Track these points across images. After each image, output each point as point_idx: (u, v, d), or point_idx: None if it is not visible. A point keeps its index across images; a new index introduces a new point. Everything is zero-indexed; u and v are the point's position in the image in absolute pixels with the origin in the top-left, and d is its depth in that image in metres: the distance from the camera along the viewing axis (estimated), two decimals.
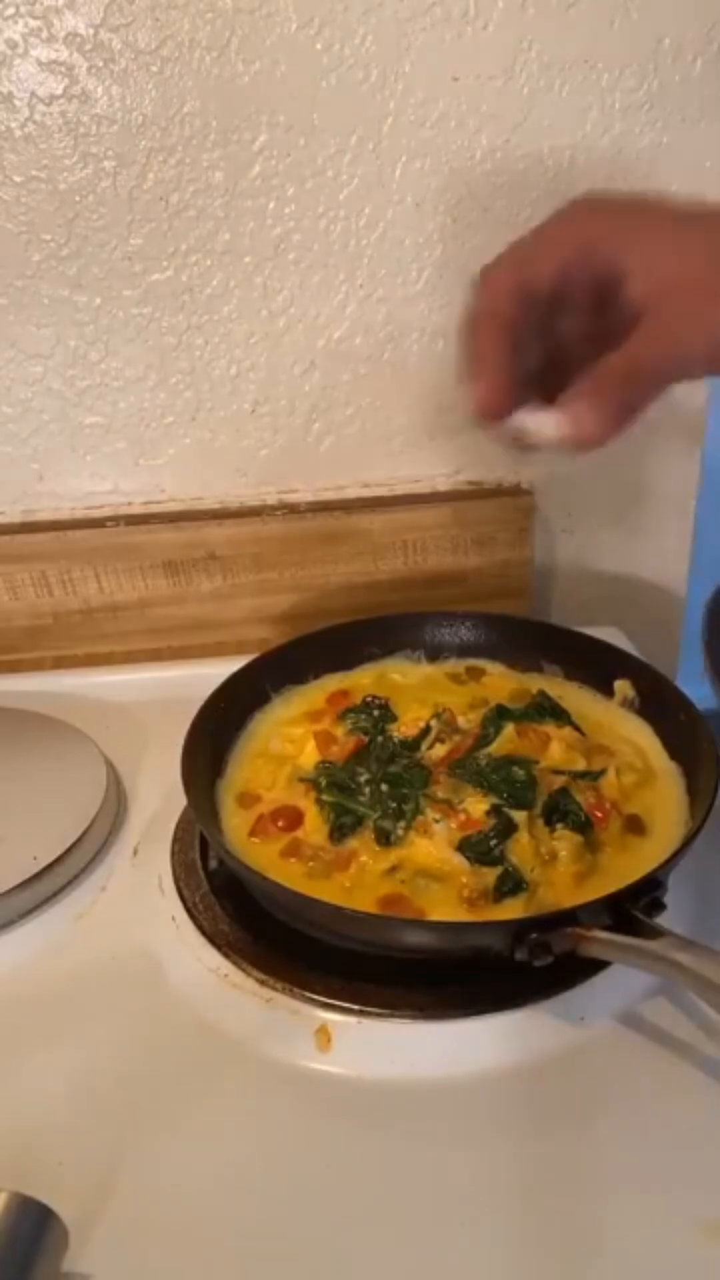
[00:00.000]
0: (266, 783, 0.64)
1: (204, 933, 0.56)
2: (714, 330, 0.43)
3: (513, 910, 0.54)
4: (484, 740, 0.65)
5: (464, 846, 0.57)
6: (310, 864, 0.58)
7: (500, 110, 0.72)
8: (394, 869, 0.57)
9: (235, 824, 0.61)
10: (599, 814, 0.59)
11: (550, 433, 0.46)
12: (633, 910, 0.49)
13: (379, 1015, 0.50)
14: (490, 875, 0.55)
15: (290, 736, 0.68)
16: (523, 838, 0.57)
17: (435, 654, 0.77)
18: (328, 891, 0.55)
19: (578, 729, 0.66)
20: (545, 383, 0.48)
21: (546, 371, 0.49)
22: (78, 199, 0.72)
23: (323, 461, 0.84)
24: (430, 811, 0.59)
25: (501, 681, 0.74)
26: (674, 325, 0.43)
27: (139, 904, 0.60)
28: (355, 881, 0.56)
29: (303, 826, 0.60)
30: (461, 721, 0.67)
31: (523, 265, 0.46)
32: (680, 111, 0.74)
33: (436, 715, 0.67)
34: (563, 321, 0.48)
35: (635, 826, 0.59)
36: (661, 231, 0.45)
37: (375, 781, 0.62)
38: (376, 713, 0.69)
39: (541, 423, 0.46)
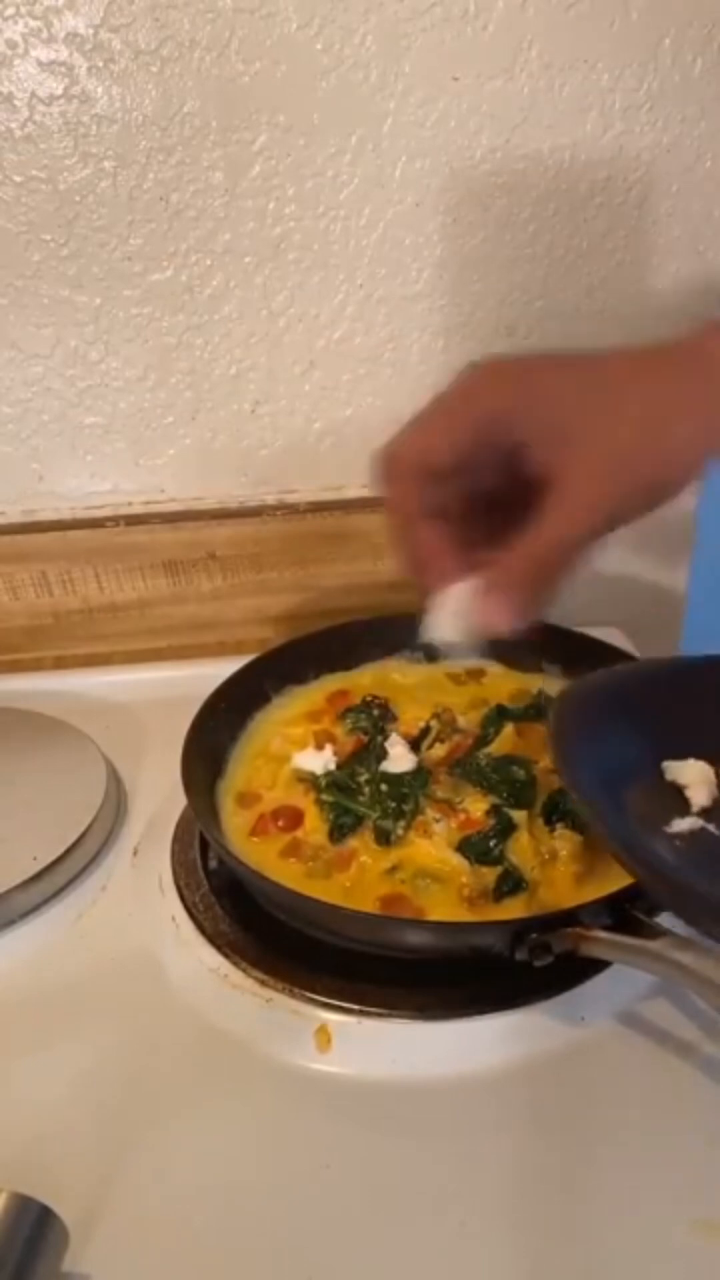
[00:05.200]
0: (266, 782, 0.64)
1: (204, 933, 0.56)
2: (618, 498, 0.42)
3: (513, 910, 0.54)
4: (484, 740, 0.65)
5: (464, 846, 0.57)
6: (310, 864, 0.58)
7: (500, 110, 0.72)
8: (394, 869, 0.57)
9: (235, 824, 0.61)
10: None
11: (452, 633, 0.47)
12: (633, 910, 0.49)
13: (379, 1015, 0.50)
14: (490, 875, 0.55)
15: (290, 736, 0.68)
16: (523, 837, 0.57)
17: (435, 654, 0.77)
18: (328, 891, 0.55)
19: None
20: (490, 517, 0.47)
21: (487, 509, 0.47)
22: (78, 199, 0.72)
23: (323, 461, 0.84)
24: (430, 811, 0.59)
25: (501, 681, 0.74)
26: (577, 500, 0.42)
27: (139, 904, 0.60)
28: (355, 881, 0.56)
29: (302, 826, 0.60)
30: (461, 721, 0.67)
31: (423, 449, 0.45)
32: (680, 111, 0.74)
33: (436, 715, 0.67)
34: (482, 481, 0.46)
35: None
36: (558, 401, 0.43)
37: (375, 781, 0.62)
38: (376, 713, 0.69)
39: (454, 628, 0.46)
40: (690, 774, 0.52)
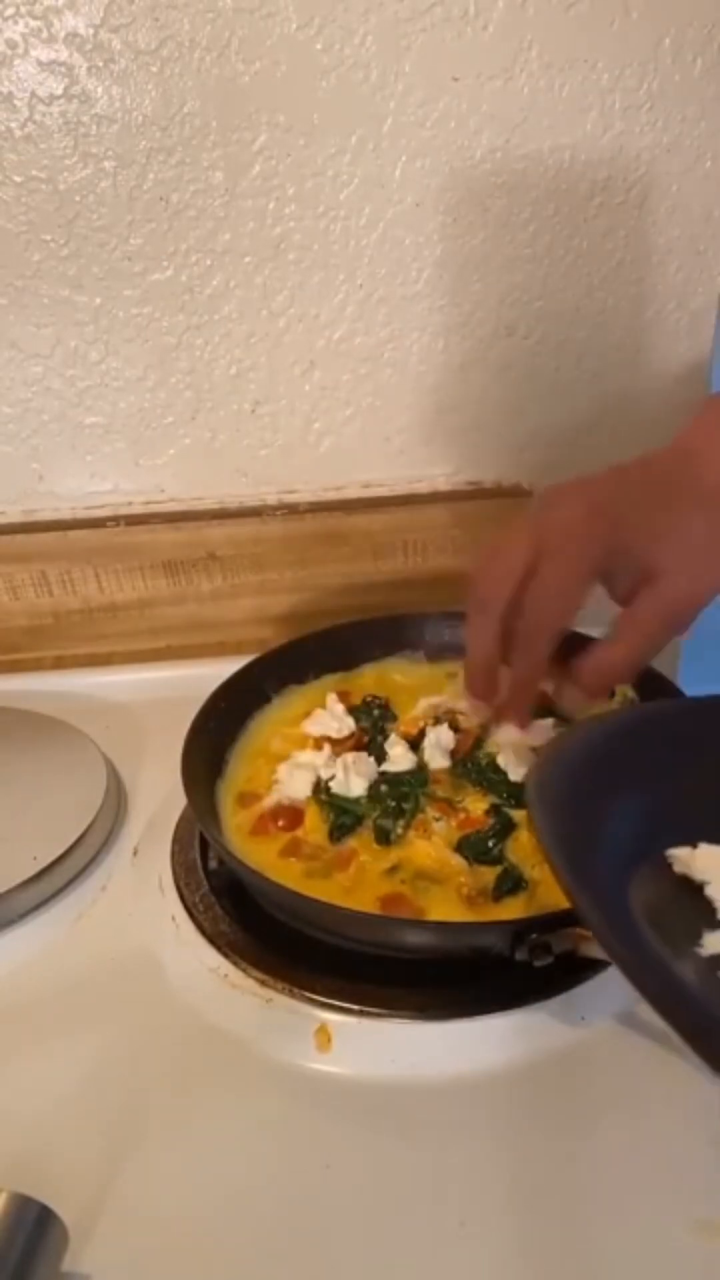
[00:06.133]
0: (266, 782, 0.64)
1: (204, 933, 0.56)
2: (669, 629, 0.52)
3: (513, 909, 0.54)
4: (484, 739, 0.65)
5: (462, 845, 0.57)
6: (310, 863, 0.58)
7: (500, 110, 0.72)
8: (394, 869, 0.57)
9: (235, 824, 0.61)
10: None
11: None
12: None
13: (379, 1015, 0.50)
14: (489, 874, 0.55)
15: (290, 736, 0.68)
16: (522, 836, 0.57)
17: (435, 654, 0.77)
18: (327, 891, 0.55)
19: None
20: None
21: None
22: (78, 199, 0.72)
23: (323, 461, 0.84)
24: (430, 810, 0.59)
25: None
26: (697, 561, 0.51)
27: (139, 904, 0.60)
28: (355, 881, 0.56)
29: (302, 826, 0.60)
30: (462, 721, 0.67)
31: (566, 613, 0.52)
32: (680, 111, 0.74)
33: (437, 715, 0.67)
34: None
35: None
36: (688, 525, 0.51)
37: (375, 781, 0.62)
38: (376, 712, 0.69)
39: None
40: (706, 865, 0.43)
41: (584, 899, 0.38)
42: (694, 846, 0.44)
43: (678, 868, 0.44)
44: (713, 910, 0.42)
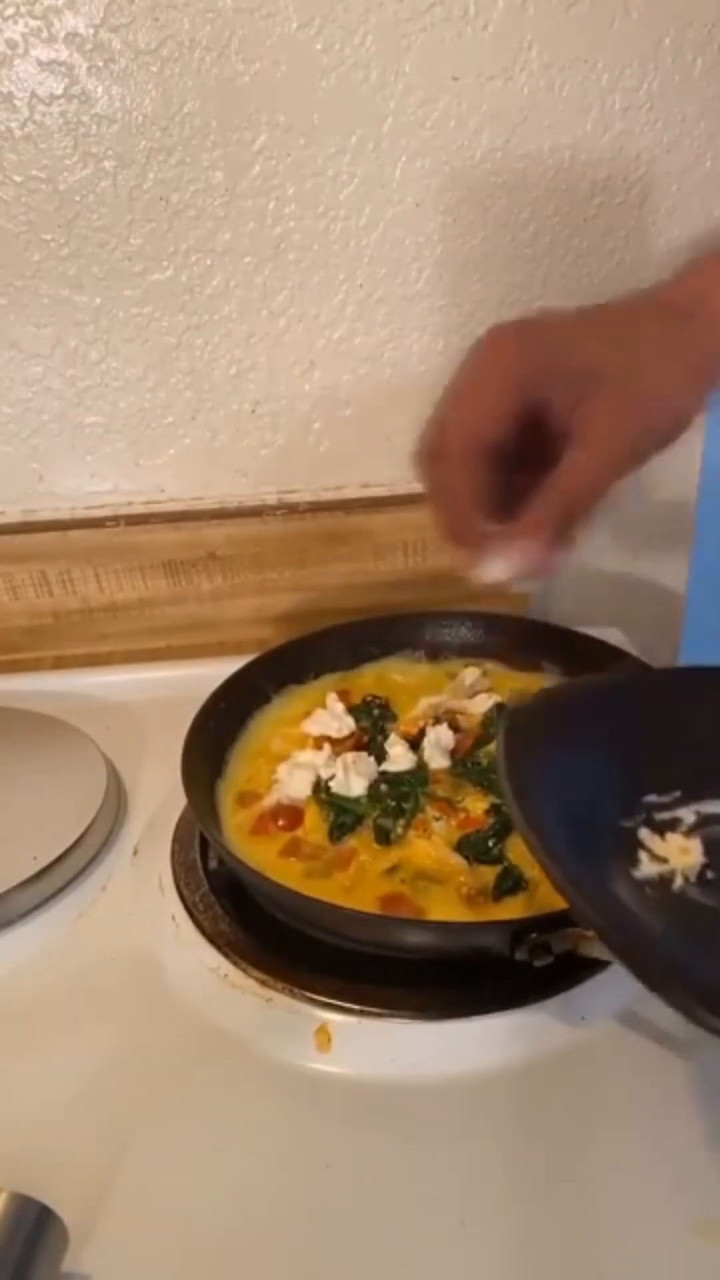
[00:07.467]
0: (266, 782, 0.64)
1: (204, 932, 0.56)
2: (640, 433, 0.44)
3: (513, 909, 0.54)
4: (484, 739, 0.65)
5: (462, 845, 0.57)
6: (310, 863, 0.58)
7: (500, 110, 0.72)
8: (394, 868, 0.57)
9: (235, 823, 0.61)
10: None
11: (502, 575, 0.46)
12: None
13: (379, 1015, 0.50)
14: (489, 874, 0.55)
15: (290, 736, 0.68)
16: None
17: (435, 654, 0.77)
18: (327, 891, 0.55)
19: None
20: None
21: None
22: (78, 199, 0.72)
23: (323, 461, 0.84)
24: (430, 810, 0.59)
25: (502, 681, 0.74)
26: (606, 437, 0.43)
27: (139, 904, 0.60)
28: (355, 881, 0.56)
29: (302, 825, 0.60)
30: (461, 721, 0.67)
31: (478, 424, 0.45)
32: (680, 111, 0.74)
33: (437, 715, 0.67)
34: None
35: None
36: (584, 352, 0.44)
37: (375, 780, 0.62)
38: (376, 712, 0.69)
39: (492, 569, 0.46)
40: (671, 851, 0.45)
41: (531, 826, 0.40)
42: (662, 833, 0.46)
43: (647, 843, 0.46)
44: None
